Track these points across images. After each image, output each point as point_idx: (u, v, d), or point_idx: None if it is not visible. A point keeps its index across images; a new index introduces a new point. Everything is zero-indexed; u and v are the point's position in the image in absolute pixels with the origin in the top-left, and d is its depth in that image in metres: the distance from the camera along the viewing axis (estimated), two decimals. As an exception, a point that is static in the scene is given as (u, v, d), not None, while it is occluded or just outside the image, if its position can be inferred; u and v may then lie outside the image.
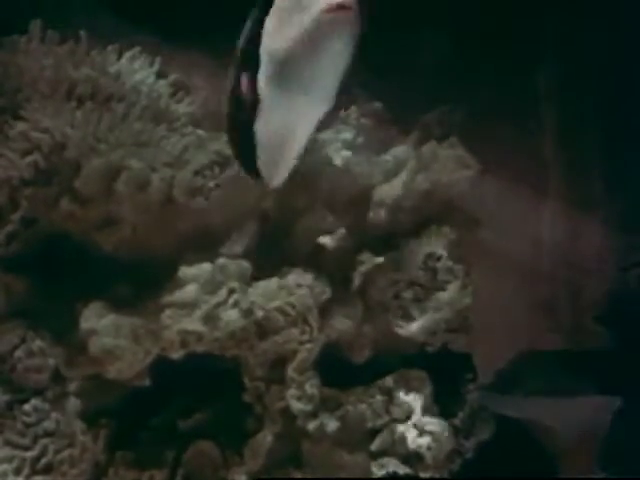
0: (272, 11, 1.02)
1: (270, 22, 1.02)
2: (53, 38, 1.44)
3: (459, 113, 1.48)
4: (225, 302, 1.30)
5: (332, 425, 1.34)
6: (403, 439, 1.34)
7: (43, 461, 1.31)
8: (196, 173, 1.33)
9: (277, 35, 1.02)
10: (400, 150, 1.47)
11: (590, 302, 1.81)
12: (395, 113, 1.52)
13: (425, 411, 1.35)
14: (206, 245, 1.35)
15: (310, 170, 1.41)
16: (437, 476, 1.35)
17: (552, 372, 1.74)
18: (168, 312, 1.30)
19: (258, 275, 1.34)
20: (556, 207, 1.82)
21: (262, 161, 1.13)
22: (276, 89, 1.06)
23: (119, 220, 1.35)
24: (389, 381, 1.37)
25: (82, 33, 1.44)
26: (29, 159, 1.34)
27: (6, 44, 1.44)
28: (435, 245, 1.38)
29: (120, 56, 1.48)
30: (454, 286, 1.36)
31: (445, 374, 1.39)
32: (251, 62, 1.06)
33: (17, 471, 1.30)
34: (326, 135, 1.47)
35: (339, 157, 1.44)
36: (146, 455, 1.37)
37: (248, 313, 1.30)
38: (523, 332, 1.77)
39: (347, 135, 1.47)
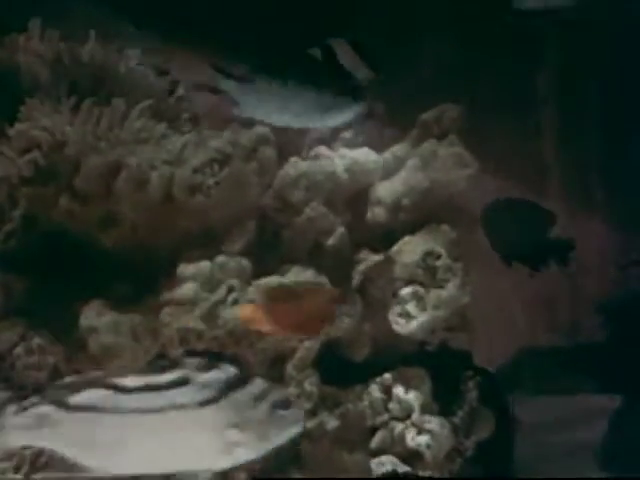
0: None
1: None
2: (53, 36, 1.44)
3: (458, 111, 1.47)
4: (224, 300, 1.30)
5: (331, 423, 1.34)
6: (402, 437, 1.34)
7: (42, 459, 1.31)
8: (195, 171, 1.33)
9: None
10: (399, 148, 1.47)
11: (589, 300, 1.81)
12: (395, 111, 1.52)
13: (424, 409, 1.35)
14: (206, 243, 1.35)
15: (310, 168, 1.41)
16: (437, 475, 1.35)
17: (551, 370, 1.74)
18: (167, 310, 1.30)
19: (257, 273, 1.35)
20: (555, 206, 1.82)
21: None
22: None
23: (119, 218, 1.35)
24: (388, 379, 1.37)
25: (92, 32, 1.44)
26: (28, 157, 1.34)
27: (6, 42, 1.44)
28: (434, 243, 1.38)
29: (121, 54, 1.48)
30: (453, 284, 1.36)
31: (444, 372, 1.39)
32: None
33: (17, 468, 1.30)
34: (326, 133, 1.48)
35: (339, 155, 1.44)
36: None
37: (248, 311, 1.31)
38: (522, 330, 1.77)
39: (347, 134, 1.47)
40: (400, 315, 1.37)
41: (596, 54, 1.78)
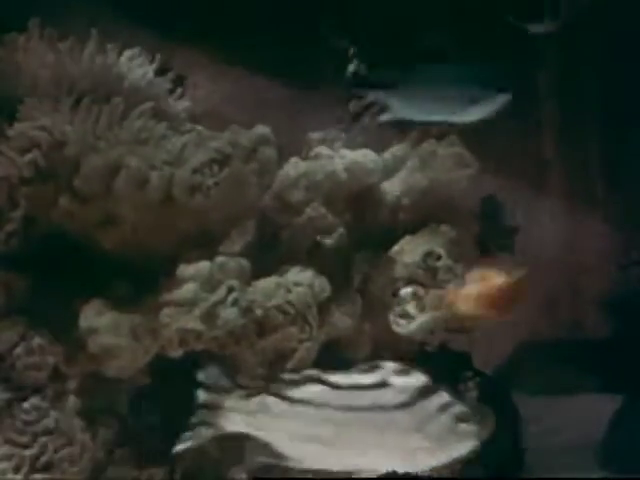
0: None
1: None
2: (52, 35, 1.44)
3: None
4: (224, 300, 1.30)
5: (332, 423, 1.34)
6: (402, 437, 1.34)
7: (42, 459, 1.31)
8: (195, 171, 1.33)
9: None
10: (399, 148, 1.47)
11: (590, 299, 1.81)
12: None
13: (424, 409, 1.35)
14: (205, 243, 1.35)
15: (310, 168, 1.41)
16: (437, 475, 1.35)
17: (552, 369, 1.75)
18: (167, 310, 1.30)
19: (257, 273, 1.34)
20: (556, 205, 1.82)
21: None
22: None
23: (118, 218, 1.35)
24: (388, 379, 1.37)
25: (93, 31, 1.44)
26: (28, 157, 1.33)
27: (5, 41, 1.44)
28: (434, 244, 1.38)
29: (120, 54, 1.48)
30: (453, 285, 1.36)
31: (444, 372, 1.39)
32: None
33: (16, 469, 1.30)
34: (326, 134, 1.48)
35: (339, 155, 1.44)
36: (145, 453, 1.37)
37: (247, 311, 1.30)
38: (522, 330, 1.77)
39: (347, 134, 1.47)
40: (400, 315, 1.37)
41: (596, 54, 1.78)
